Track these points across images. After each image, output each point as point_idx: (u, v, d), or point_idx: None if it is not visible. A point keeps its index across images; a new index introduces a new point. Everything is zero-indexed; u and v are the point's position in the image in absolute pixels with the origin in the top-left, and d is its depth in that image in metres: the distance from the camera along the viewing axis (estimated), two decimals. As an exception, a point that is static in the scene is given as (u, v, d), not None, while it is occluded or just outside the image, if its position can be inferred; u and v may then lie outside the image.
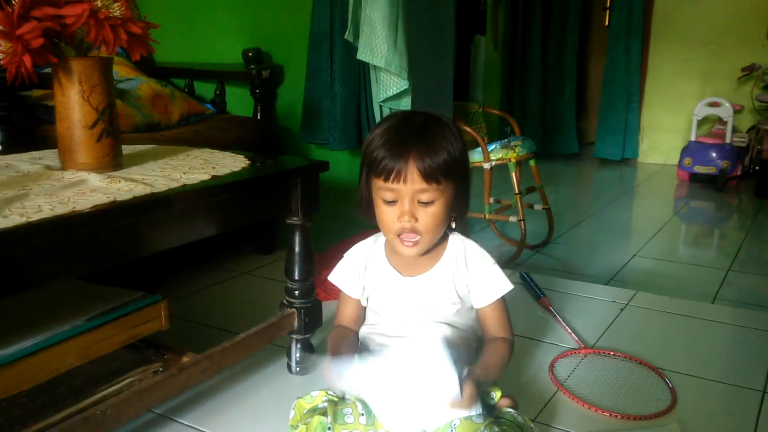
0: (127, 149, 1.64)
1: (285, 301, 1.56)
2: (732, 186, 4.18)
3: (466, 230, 1.23)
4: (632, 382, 1.55)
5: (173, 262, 2.29)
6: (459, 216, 1.14)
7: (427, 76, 2.32)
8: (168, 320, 1.38)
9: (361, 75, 2.37)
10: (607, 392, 1.51)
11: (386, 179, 1.04)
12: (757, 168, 3.97)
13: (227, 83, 2.62)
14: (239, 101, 2.63)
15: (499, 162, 2.61)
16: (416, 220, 1.05)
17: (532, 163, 2.76)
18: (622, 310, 2.00)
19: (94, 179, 1.25)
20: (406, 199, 1.04)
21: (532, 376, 1.58)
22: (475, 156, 2.59)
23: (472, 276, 1.14)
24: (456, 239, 1.16)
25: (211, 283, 2.19)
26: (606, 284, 2.32)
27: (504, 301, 1.17)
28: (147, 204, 1.13)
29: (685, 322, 1.93)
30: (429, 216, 1.05)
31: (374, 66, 2.11)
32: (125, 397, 1.17)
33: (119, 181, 1.23)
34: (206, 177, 1.29)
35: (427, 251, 1.12)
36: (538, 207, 2.84)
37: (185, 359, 1.35)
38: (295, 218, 1.49)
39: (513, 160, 2.60)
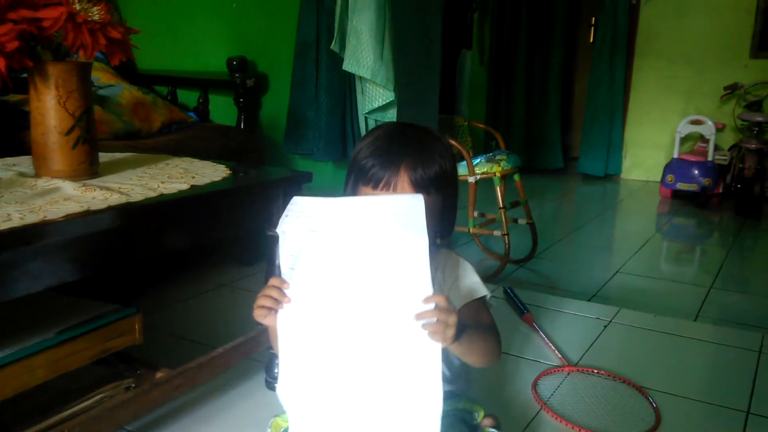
0: (104, 157, 1.60)
1: (264, 315, 1.52)
2: (713, 203, 4.22)
3: (450, 245, 1.19)
4: (616, 401, 1.53)
5: (152, 272, 2.24)
6: (444, 232, 1.11)
7: (413, 88, 2.31)
8: (142, 334, 1.33)
9: (346, 86, 2.35)
10: (591, 411, 1.49)
11: (375, 187, 1.01)
12: (739, 186, 4.01)
13: (211, 91, 2.58)
14: (223, 110, 2.60)
15: (484, 176, 2.60)
16: None
17: (516, 177, 2.75)
18: (605, 327, 1.99)
19: (69, 187, 1.21)
20: None
21: (514, 394, 1.56)
22: (461, 169, 2.57)
23: (452, 278, 1.10)
24: (440, 252, 1.13)
25: (190, 295, 2.15)
26: (589, 300, 2.31)
27: (486, 305, 1.11)
28: (121, 214, 1.09)
29: (669, 340, 1.92)
30: None
31: (360, 77, 2.09)
32: (94, 415, 1.12)
33: (94, 190, 1.19)
34: (185, 187, 1.26)
35: None
36: (522, 221, 2.83)
37: (159, 375, 1.31)
38: (276, 230, 1.45)
39: (498, 174, 2.59)
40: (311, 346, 0.89)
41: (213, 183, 1.31)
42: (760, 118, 4.01)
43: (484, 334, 1.03)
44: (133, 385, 1.28)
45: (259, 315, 0.93)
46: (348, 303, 0.86)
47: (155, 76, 2.61)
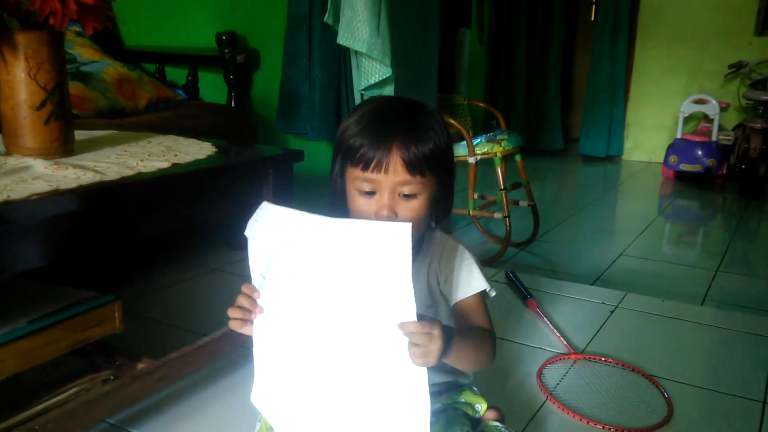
0: (83, 134, 1.51)
1: (254, 302, 1.44)
2: (717, 184, 4.13)
3: (447, 228, 1.09)
4: (625, 391, 1.46)
5: (137, 257, 2.16)
6: (441, 215, 1.02)
7: (410, 65, 2.20)
8: (122, 322, 1.25)
9: (341, 61, 2.24)
10: (599, 401, 1.41)
11: (365, 168, 0.92)
12: (744, 167, 3.92)
13: (200, 69, 2.48)
14: (212, 88, 2.50)
15: (484, 156, 2.50)
16: (396, 215, 0.93)
17: (518, 158, 2.66)
18: (612, 312, 1.91)
19: (40, 166, 1.12)
20: (386, 191, 0.92)
21: (518, 384, 1.48)
22: (460, 150, 2.48)
23: (449, 269, 1.02)
24: (434, 236, 1.04)
25: (178, 280, 2.06)
26: (593, 284, 2.24)
27: (483, 300, 1.04)
28: (94, 193, 1.00)
29: (678, 325, 1.85)
30: (410, 211, 0.93)
31: (355, 51, 1.99)
32: (69, 409, 1.04)
33: (67, 168, 1.10)
34: (165, 165, 1.17)
35: None
36: (523, 203, 2.74)
37: (140, 366, 1.23)
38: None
39: (499, 154, 2.51)
40: (285, 359, 0.85)
41: (196, 161, 1.22)
42: (766, 97, 3.91)
43: (476, 341, 0.94)
44: (112, 377, 1.20)
45: (234, 325, 0.90)
46: (323, 321, 0.80)
47: (142, 53, 2.51)
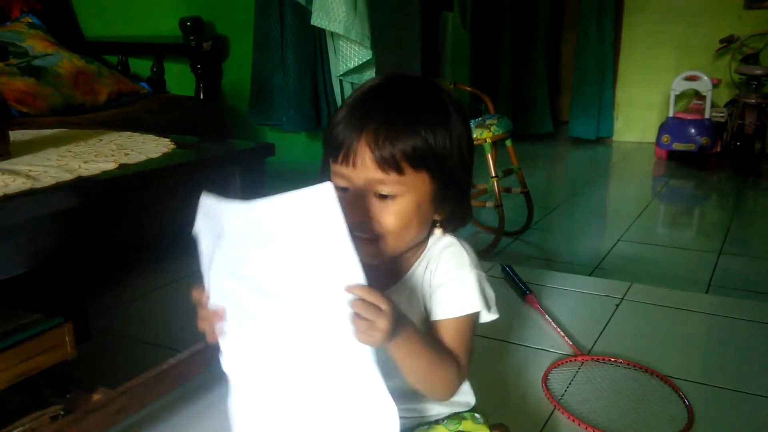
0: (27, 135, 1.35)
1: (227, 314, 1.29)
2: (712, 163, 4.02)
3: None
4: (640, 396, 1.33)
5: (104, 264, 2.00)
6: (454, 221, 0.85)
7: (392, 49, 2.06)
8: (74, 347, 1.09)
9: (317, 45, 2.07)
10: (612, 409, 1.28)
11: (335, 160, 0.77)
12: (739, 144, 3.80)
13: (166, 59, 2.31)
14: (179, 79, 2.33)
15: (473, 143, 2.36)
16: (370, 218, 0.77)
17: (508, 143, 2.52)
18: (617, 306, 1.78)
19: (-37, 172, 0.96)
20: (356, 189, 0.77)
21: (523, 392, 1.35)
22: (447, 136, 2.33)
23: (438, 280, 0.84)
24: (435, 242, 0.86)
25: (151, 288, 1.91)
26: (591, 273, 2.11)
27: (470, 325, 0.83)
28: (20, 203, 0.84)
29: (689, 317, 1.72)
30: (390, 215, 0.77)
31: (332, 33, 1.83)
32: (6, 458, 0.89)
33: (-6, 174, 0.95)
34: (111, 166, 1.02)
35: (394, 259, 0.84)
36: (515, 191, 2.61)
37: (95, 397, 1.08)
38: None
39: (489, 140, 2.37)
40: (248, 359, 0.76)
41: (149, 161, 1.07)
42: (759, 71, 3.79)
43: (436, 354, 0.77)
44: (62, 413, 1.05)
45: (211, 339, 0.77)
46: (273, 307, 0.72)
47: (103, 44, 2.34)
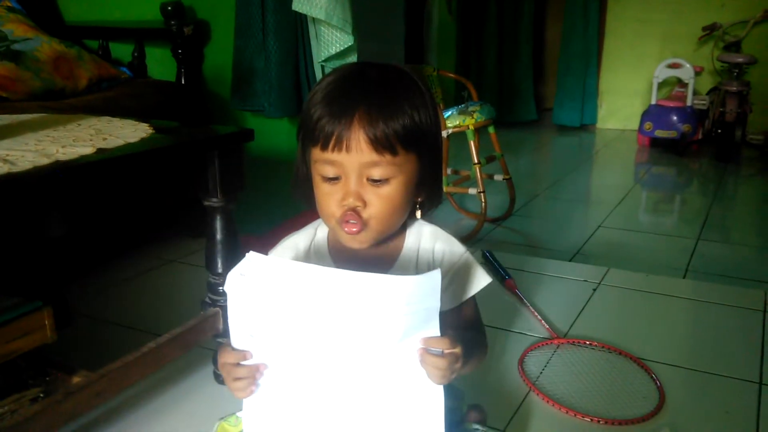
0: (4, 119, 1.34)
1: (207, 299, 1.30)
2: (693, 150, 4.06)
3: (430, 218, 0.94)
4: (613, 377, 1.36)
5: (85, 249, 1.99)
6: (429, 203, 0.87)
7: (374, 35, 2.06)
8: (54, 331, 1.10)
9: (298, 30, 2.07)
10: (586, 390, 1.31)
11: (324, 147, 0.77)
12: (720, 131, 3.85)
13: (147, 44, 2.29)
14: (161, 64, 2.31)
15: (456, 129, 2.37)
16: (364, 203, 0.78)
17: (491, 130, 2.53)
18: (594, 290, 1.81)
19: (-61, 157, 0.96)
20: (351, 175, 0.77)
21: (499, 375, 1.37)
22: (430, 123, 2.34)
23: (448, 275, 0.87)
24: (418, 227, 0.89)
25: (132, 274, 1.91)
26: (572, 259, 2.14)
27: (474, 297, 0.91)
28: (-4, 188, 0.85)
29: (664, 302, 1.76)
30: (381, 199, 0.78)
31: (313, 19, 1.82)
32: (-14, 439, 0.90)
33: (-31, 159, 0.95)
34: (89, 151, 1.02)
35: (380, 244, 0.85)
36: (498, 177, 2.63)
37: (75, 380, 1.08)
38: (213, 199, 1.22)
39: (471, 126, 2.38)
40: (293, 402, 0.76)
41: (127, 145, 1.07)
42: (740, 59, 3.83)
43: (475, 341, 0.85)
44: (41, 396, 1.06)
45: (241, 396, 0.78)
46: (332, 358, 0.72)
47: (84, 28, 2.31)
